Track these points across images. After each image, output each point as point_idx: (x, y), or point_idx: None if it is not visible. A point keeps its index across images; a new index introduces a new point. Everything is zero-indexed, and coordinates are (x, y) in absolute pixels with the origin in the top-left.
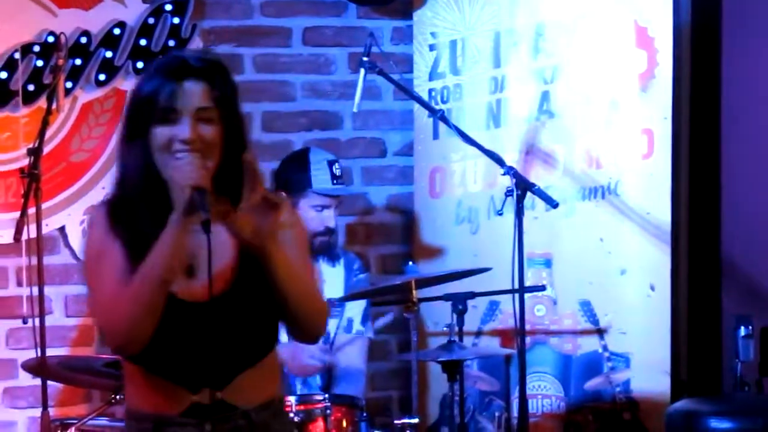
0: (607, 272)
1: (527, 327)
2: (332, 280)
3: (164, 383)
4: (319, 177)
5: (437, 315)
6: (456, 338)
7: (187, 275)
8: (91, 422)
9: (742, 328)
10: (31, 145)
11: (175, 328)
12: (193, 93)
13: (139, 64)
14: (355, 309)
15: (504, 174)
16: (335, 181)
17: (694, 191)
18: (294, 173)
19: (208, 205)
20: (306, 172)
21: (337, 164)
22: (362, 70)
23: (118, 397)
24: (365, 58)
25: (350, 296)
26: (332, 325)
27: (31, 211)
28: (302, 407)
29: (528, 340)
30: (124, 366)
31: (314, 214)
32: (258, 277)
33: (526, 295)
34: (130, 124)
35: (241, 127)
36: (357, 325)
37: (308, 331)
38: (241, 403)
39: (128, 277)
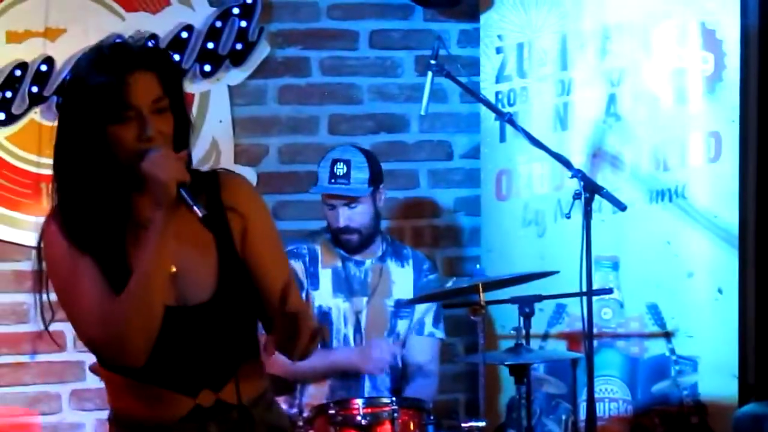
0: (674, 275)
1: (594, 330)
2: (401, 280)
3: (161, 391)
4: (321, 175)
5: (504, 318)
6: (523, 341)
7: (171, 279)
8: None
9: None
10: None
11: (169, 335)
12: (146, 86)
13: (207, 67)
14: (427, 310)
15: (572, 177)
16: (333, 180)
17: (761, 194)
18: (317, 173)
19: (196, 199)
20: (318, 172)
21: (342, 163)
22: (429, 73)
23: None
24: (432, 61)
25: (418, 299)
26: (403, 326)
27: None
28: (369, 410)
29: (595, 343)
30: (106, 375)
31: (327, 211)
32: (237, 272)
33: (594, 298)
34: (74, 124)
35: (187, 120)
36: (429, 327)
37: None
38: (236, 400)
39: (109, 289)
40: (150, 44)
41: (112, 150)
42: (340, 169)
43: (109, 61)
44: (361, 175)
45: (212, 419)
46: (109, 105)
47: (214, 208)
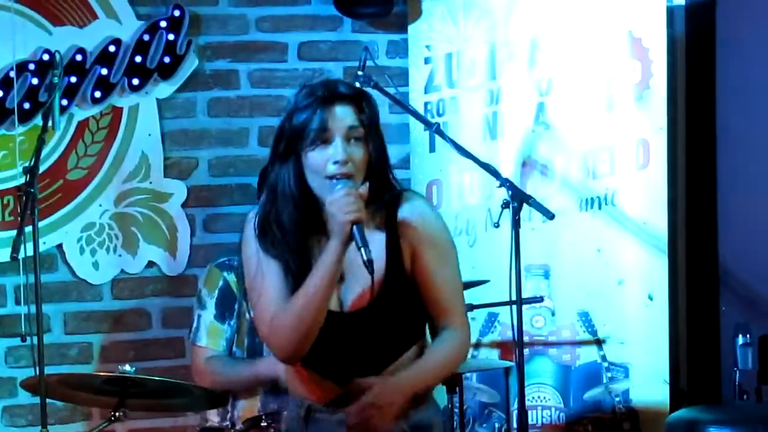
0: (605, 282)
1: (526, 338)
2: None
3: (317, 377)
4: None
5: None
6: None
7: (337, 286)
8: None
9: (741, 336)
10: (27, 164)
11: (328, 335)
12: (344, 115)
13: (135, 81)
14: None
15: (499, 186)
16: None
17: (690, 200)
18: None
19: (366, 241)
20: None
21: None
22: (357, 84)
23: (117, 414)
24: (360, 72)
25: None
26: None
27: (29, 229)
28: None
29: (527, 351)
30: None
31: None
32: (398, 287)
33: (525, 307)
34: (284, 145)
35: (384, 150)
36: None
37: None
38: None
39: (285, 295)
40: (354, 86)
41: (308, 172)
42: None
43: (313, 93)
44: None
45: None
46: (311, 129)
47: (390, 224)
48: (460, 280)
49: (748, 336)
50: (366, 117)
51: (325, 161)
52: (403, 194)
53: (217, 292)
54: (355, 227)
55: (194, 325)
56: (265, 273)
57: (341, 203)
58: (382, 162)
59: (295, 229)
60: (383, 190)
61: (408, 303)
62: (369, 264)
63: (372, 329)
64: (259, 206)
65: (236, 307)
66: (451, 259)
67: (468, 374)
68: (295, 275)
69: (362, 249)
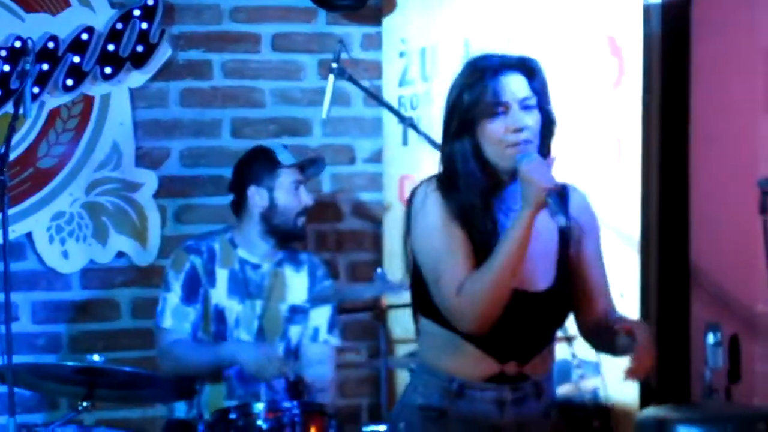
0: None
1: None
2: (296, 285)
3: (477, 352)
4: (283, 156)
5: (406, 322)
6: None
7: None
8: (58, 430)
9: (711, 335)
10: None
11: (505, 311)
12: (515, 85)
13: (107, 70)
14: (322, 317)
15: None
16: (296, 157)
17: (663, 199)
18: (260, 163)
19: (563, 209)
20: (271, 156)
21: (287, 146)
22: (331, 77)
23: (85, 404)
24: (334, 65)
25: (319, 300)
26: (296, 332)
27: None
28: (270, 415)
29: None
30: (430, 329)
31: (292, 194)
32: (568, 268)
33: None
34: (456, 116)
35: (554, 116)
36: (323, 334)
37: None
38: (533, 374)
39: (474, 265)
40: (521, 54)
41: (486, 143)
42: (291, 149)
43: (483, 66)
44: None
45: (510, 386)
46: (485, 102)
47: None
48: None
49: (718, 335)
50: (538, 84)
51: (503, 130)
52: (569, 188)
53: (183, 274)
54: (552, 195)
55: (159, 307)
56: (452, 242)
57: (540, 169)
58: (551, 135)
59: (478, 201)
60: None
61: (571, 288)
62: (563, 229)
63: (550, 311)
64: (435, 181)
65: (201, 291)
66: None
67: None
68: (480, 248)
69: (559, 215)
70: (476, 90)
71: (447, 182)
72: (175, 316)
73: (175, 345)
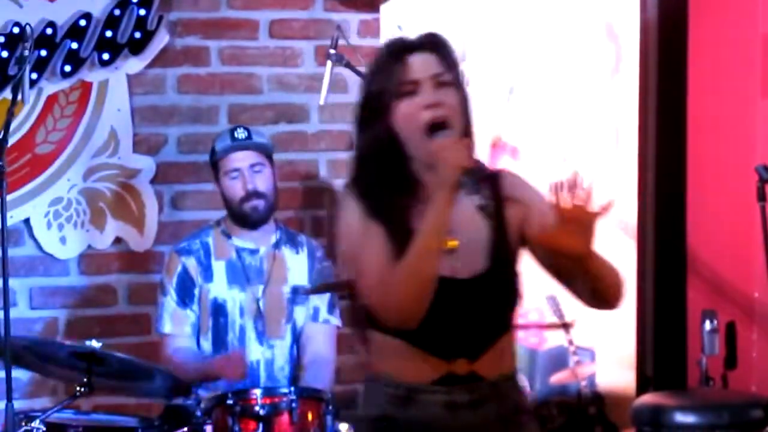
0: None
1: None
2: (296, 267)
3: (421, 353)
4: (220, 144)
5: None
6: None
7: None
8: (55, 415)
9: (708, 322)
10: None
11: (438, 304)
12: (426, 62)
13: (105, 56)
14: (321, 297)
15: None
16: (234, 142)
17: (660, 186)
18: (210, 154)
19: (479, 188)
20: (213, 147)
21: (242, 129)
22: (329, 63)
23: (83, 389)
24: (332, 51)
25: (317, 289)
26: (300, 314)
27: None
28: (267, 400)
29: None
30: (373, 336)
31: (229, 182)
32: (507, 253)
33: None
34: (367, 106)
35: (467, 95)
36: (324, 314)
37: (614, 299)
38: (488, 374)
39: (392, 256)
40: (428, 33)
41: (400, 127)
42: (241, 133)
43: (393, 49)
44: (262, 139)
45: (462, 387)
46: (394, 82)
47: (494, 197)
48: None
49: (715, 322)
50: (449, 62)
51: (417, 109)
52: (501, 171)
53: (176, 277)
54: (465, 174)
55: (158, 312)
56: (368, 238)
57: (451, 147)
58: (467, 115)
59: (392, 192)
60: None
61: (514, 274)
62: (484, 208)
63: (485, 295)
64: (347, 186)
65: (196, 292)
66: None
67: None
68: (397, 240)
69: (474, 194)
70: (384, 73)
71: (359, 183)
72: (173, 320)
73: (175, 353)
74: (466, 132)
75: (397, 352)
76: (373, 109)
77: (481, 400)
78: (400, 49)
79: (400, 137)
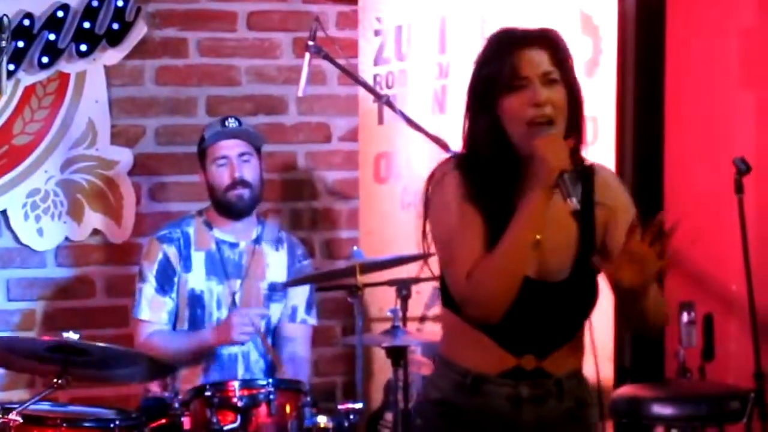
0: None
1: None
2: (275, 263)
3: (492, 344)
4: (210, 132)
5: (382, 300)
6: (400, 324)
7: (536, 253)
8: (33, 407)
9: (685, 314)
10: None
11: (519, 303)
12: (537, 59)
13: (83, 47)
14: (299, 296)
15: None
16: (224, 129)
17: (638, 177)
18: (198, 143)
19: (576, 191)
20: (202, 136)
21: (232, 119)
22: (307, 55)
23: (60, 381)
24: (310, 43)
25: (296, 281)
26: (276, 310)
27: None
28: (246, 392)
29: None
30: (449, 318)
31: (217, 170)
32: (589, 262)
33: None
34: (478, 96)
35: (579, 91)
36: (301, 313)
37: (650, 335)
38: (554, 371)
39: (486, 247)
40: (544, 28)
41: (506, 120)
42: (232, 122)
43: (502, 40)
44: (252, 129)
45: (527, 382)
46: (504, 76)
47: (585, 200)
48: None
49: (693, 314)
50: (561, 59)
51: (522, 105)
52: (595, 169)
53: (156, 264)
54: (563, 175)
55: (136, 299)
56: (465, 224)
57: (552, 146)
58: (577, 114)
59: (497, 183)
60: (578, 145)
61: (596, 278)
62: (577, 214)
63: (569, 302)
64: (454, 160)
65: (176, 280)
66: None
67: (413, 348)
68: (497, 233)
69: (570, 198)
70: (495, 65)
71: (466, 162)
72: (151, 307)
73: (152, 336)
74: (572, 130)
75: (469, 340)
76: (481, 98)
77: (544, 396)
78: (513, 42)
79: (506, 128)
